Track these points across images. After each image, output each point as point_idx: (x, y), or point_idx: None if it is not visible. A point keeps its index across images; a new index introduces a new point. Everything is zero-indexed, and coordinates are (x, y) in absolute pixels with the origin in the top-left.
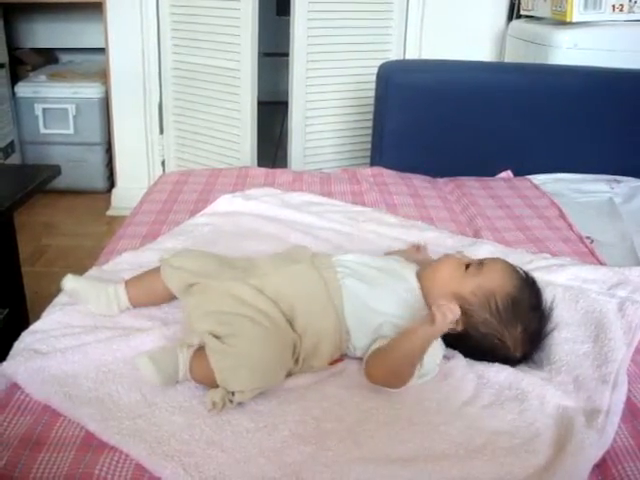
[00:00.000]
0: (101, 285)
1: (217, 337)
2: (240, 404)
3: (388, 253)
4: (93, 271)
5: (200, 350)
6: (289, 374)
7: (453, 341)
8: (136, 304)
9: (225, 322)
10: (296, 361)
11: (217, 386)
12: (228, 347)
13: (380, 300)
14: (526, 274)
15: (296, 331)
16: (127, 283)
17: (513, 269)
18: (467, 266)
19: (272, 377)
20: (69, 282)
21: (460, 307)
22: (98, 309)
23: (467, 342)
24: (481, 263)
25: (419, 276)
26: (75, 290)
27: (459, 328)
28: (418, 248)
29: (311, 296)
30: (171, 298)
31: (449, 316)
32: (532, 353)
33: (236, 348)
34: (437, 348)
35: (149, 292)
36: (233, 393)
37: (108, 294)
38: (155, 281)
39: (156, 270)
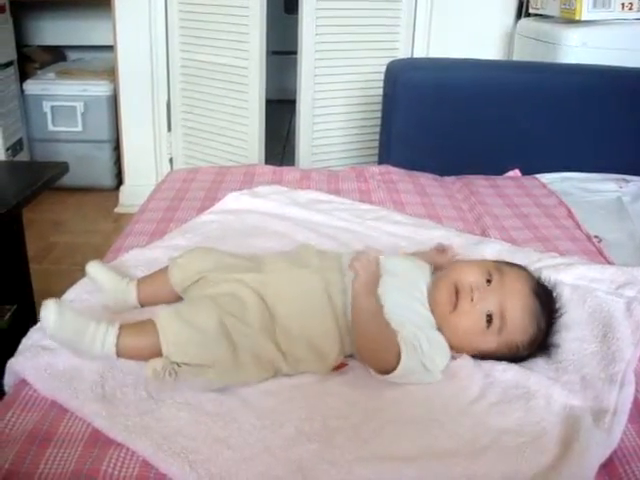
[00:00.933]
0: (117, 280)
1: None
2: (246, 402)
3: (409, 254)
4: None
5: (131, 327)
6: (279, 373)
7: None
8: (145, 303)
9: (196, 303)
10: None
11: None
12: (179, 316)
13: (391, 307)
14: (542, 292)
15: (288, 333)
16: (139, 281)
17: (533, 298)
18: (489, 316)
19: (217, 355)
20: (91, 268)
21: (501, 345)
22: (109, 303)
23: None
24: (501, 313)
25: (430, 291)
26: (93, 278)
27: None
28: (444, 250)
29: (309, 302)
30: (180, 297)
31: (367, 271)
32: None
33: (192, 322)
34: (444, 354)
35: (159, 292)
36: (178, 365)
37: (118, 290)
38: (165, 281)
39: (165, 269)
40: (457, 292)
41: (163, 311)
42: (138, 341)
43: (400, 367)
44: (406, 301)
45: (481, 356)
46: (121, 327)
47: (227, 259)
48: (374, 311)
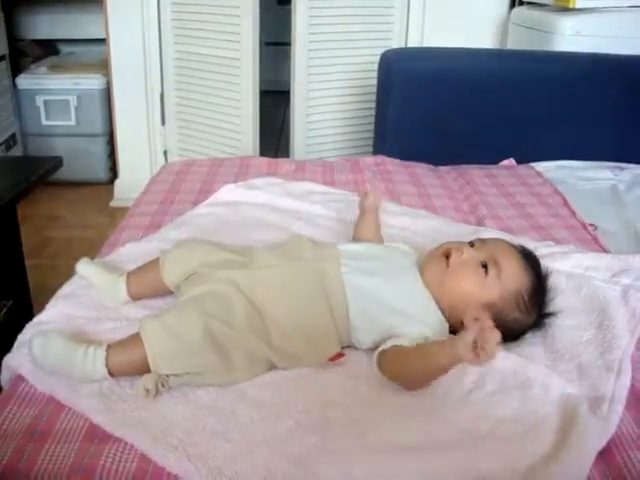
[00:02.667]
0: (107, 276)
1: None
2: (244, 395)
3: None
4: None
5: (118, 343)
6: (274, 367)
7: None
8: (136, 297)
9: (181, 310)
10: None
11: (141, 375)
12: (168, 329)
13: (395, 298)
14: (524, 250)
15: (281, 328)
16: (129, 275)
17: (518, 252)
18: (484, 265)
19: (204, 360)
20: (81, 266)
21: (492, 314)
22: (101, 298)
23: None
24: (494, 261)
25: (422, 270)
26: (83, 275)
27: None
28: (366, 194)
29: (303, 295)
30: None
31: (491, 357)
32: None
33: (177, 332)
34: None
35: (150, 284)
36: (168, 376)
37: (109, 286)
38: (156, 275)
39: (155, 262)
40: (447, 256)
41: (149, 323)
42: (127, 357)
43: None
44: (406, 291)
45: (493, 317)
46: (109, 347)
47: (219, 253)
48: (440, 372)
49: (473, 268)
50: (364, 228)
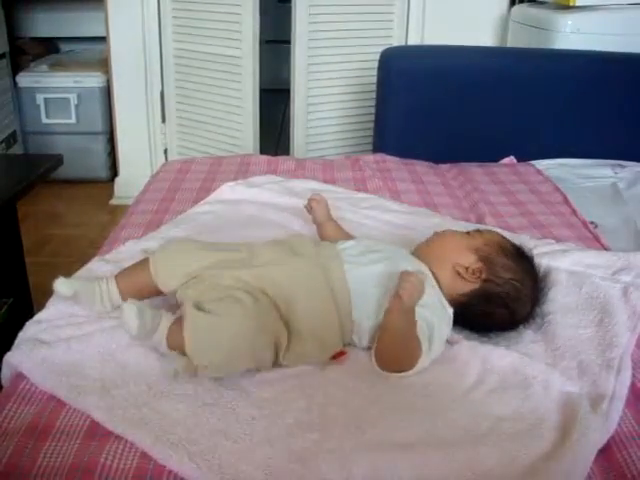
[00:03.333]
0: (92, 284)
1: (199, 307)
2: (245, 393)
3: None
4: (95, 261)
5: (180, 320)
6: (278, 365)
7: (473, 295)
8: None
9: (212, 296)
10: (277, 355)
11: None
12: (206, 321)
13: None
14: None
15: (289, 326)
16: (117, 279)
17: (511, 244)
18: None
19: (239, 361)
20: (61, 286)
21: (481, 257)
22: (92, 308)
23: (488, 293)
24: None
25: (418, 254)
26: (67, 295)
27: (484, 276)
28: (317, 200)
29: (310, 292)
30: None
31: (414, 294)
32: (535, 311)
33: (214, 324)
34: (444, 327)
35: (141, 288)
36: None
37: (101, 292)
38: (146, 277)
39: (144, 265)
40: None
41: (198, 316)
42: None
43: (414, 371)
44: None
45: (493, 298)
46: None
47: (215, 254)
48: (411, 326)
49: (456, 232)
50: (330, 234)
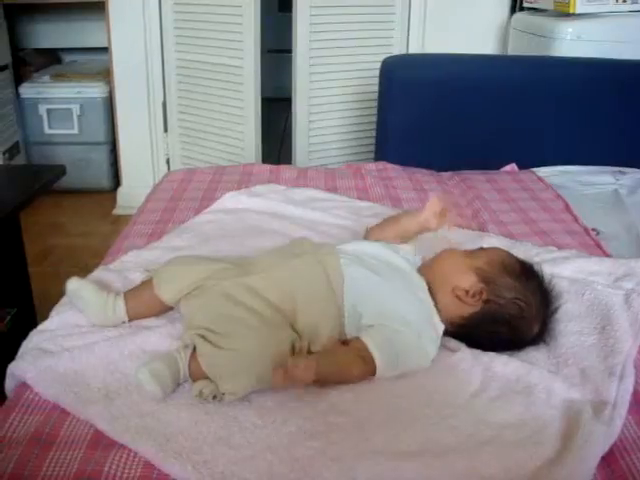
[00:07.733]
0: (102, 293)
1: (207, 339)
2: (247, 401)
3: (389, 219)
4: (99, 271)
5: (195, 356)
6: None
7: (475, 318)
8: (133, 317)
9: (220, 323)
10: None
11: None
12: (220, 349)
13: (394, 302)
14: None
15: (297, 329)
16: (126, 296)
17: (517, 261)
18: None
19: (267, 377)
20: (73, 285)
21: (482, 278)
22: (96, 319)
23: (490, 313)
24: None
25: (423, 272)
26: (77, 295)
27: (485, 297)
28: (437, 213)
29: (312, 290)
30: (170, 308)
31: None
32: (544, 332)
33: (230, 350)
34: (430, 344)
35: (148, 305)
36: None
37: (107, 305)
38: (151, 293)
39: (148, 282)
40: None
41: (200, 345)
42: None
43: (379, 370)
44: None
45: (496, 318)
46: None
47: (216, 265)
48: (331, 369)
49: (458, 251)
50: (396, 230)
